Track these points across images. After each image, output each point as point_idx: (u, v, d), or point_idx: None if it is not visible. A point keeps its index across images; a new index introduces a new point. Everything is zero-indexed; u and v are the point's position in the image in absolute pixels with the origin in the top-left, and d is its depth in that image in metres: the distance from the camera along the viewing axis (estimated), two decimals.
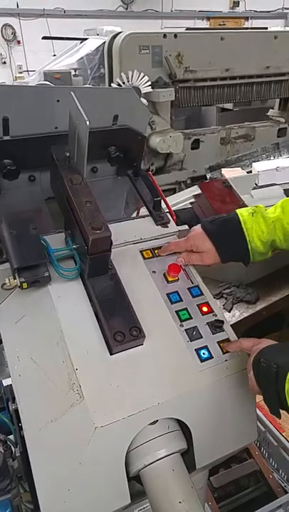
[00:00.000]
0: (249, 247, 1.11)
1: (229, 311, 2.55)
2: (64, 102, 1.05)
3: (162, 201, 1.27)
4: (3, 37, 11.39)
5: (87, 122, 0.88)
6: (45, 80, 5.03)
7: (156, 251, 1.16)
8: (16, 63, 11.42)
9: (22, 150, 1.09)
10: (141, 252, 1.14)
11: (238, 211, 1.13)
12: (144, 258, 1.13)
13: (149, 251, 1.15)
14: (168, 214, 1.25)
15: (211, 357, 0.98)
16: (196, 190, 3.91)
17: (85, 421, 0.84)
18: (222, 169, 3.01)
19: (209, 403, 0.96)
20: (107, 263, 1.00)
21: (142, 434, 0.90)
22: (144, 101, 1.12)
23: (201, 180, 3.49)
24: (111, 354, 0.93)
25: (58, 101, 1.05)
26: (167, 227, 1.22)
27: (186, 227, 1.51)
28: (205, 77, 4.37)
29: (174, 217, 1.26)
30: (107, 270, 1.01)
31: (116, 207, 1.38)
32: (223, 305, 2.66)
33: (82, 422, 0.85)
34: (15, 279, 0.94)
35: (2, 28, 11.27)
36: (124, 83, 1.15)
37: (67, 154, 1.04)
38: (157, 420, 0.92)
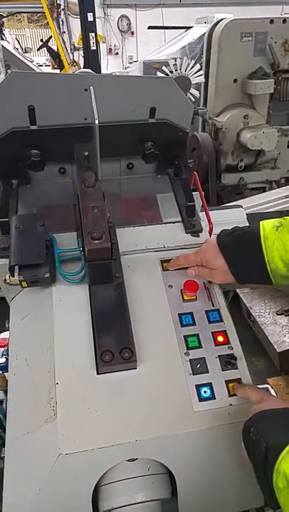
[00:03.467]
0: (268, 268, 0.89)
1: None
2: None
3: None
4: (119, 28, 11.82)
5: (96, 121, 0.78)
6: (144, 70, 4.98)
7: None
8: (128, 54, 11.72)
9: (48, 141, 1.03)
10: (161, 261, 1.02)
11: (262, 223, 0.91)
12: (164, 269, 1.01)
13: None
14: (203, 222, 1.10)
15: (212, 397, 0.83)
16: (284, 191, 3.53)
17: (51, 443, 0.77)
18: None
19: (201, 452, 0.81)
20: (109, 271, 0.90)
21: (116, 469, 0.80)
22: (195, 92, 1.00)
23: None
24: (98, 374, 0.84)
25: (85, 90, 0.96)
26: (198, 236, 1.06)
27: None
28: None
29: (211, 226, 1.10)
30: (111, 279, 0.91)
31: (154, 207, 1.26)
32: None
33: (49, 443, 0.77)
34: (13, 276, 0.90)
35: (118, 19, 11.69)
36: (171, 72, 1.04)
37: (86, 154, 0.96)
38: (137, 458, 0.80)
